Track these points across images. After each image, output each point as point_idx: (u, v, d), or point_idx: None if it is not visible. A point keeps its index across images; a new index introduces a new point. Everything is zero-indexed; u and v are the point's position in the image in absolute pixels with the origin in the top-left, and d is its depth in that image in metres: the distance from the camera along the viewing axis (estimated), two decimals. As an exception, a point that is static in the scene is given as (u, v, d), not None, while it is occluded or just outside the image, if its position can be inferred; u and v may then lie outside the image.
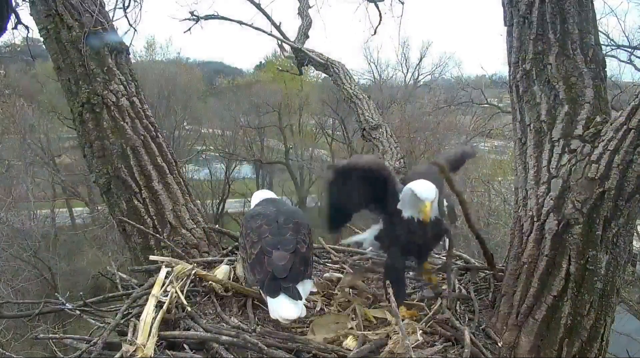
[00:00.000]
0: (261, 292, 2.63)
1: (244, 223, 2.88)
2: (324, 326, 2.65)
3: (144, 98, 3.98)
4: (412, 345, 2.35)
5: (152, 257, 3.17)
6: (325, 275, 3.31)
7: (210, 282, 2.96)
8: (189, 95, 28.45)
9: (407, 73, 29.59)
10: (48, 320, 9.35)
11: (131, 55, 4.11)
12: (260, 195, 3.21)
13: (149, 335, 2.38)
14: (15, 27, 4.03)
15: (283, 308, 2.46)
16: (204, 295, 2.91)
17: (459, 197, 2.72)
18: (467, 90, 21.86)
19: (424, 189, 2.53)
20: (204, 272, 3.02)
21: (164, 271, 2.80)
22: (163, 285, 2.73)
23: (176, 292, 2.70)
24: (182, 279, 2.88)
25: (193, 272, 2.94)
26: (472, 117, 24.73)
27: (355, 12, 7.84)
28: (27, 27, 4.11)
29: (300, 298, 2.50)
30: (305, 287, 2.61)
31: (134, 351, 2.29)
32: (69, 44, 3.61)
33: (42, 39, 3.74)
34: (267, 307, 2.57)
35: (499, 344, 2.54)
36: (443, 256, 3.68)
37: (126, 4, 4.29)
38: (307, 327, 2.67)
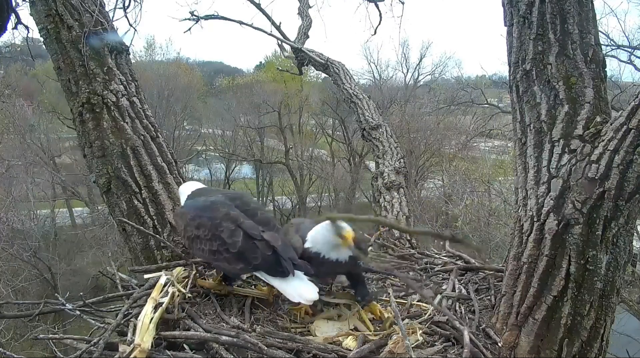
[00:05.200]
0: (266, 278, 2.58)
1: (198, 215, 2.68)
2: (324, 326, 2.66)
3: (144, 98, 3.97)
4: (412, 345, 2.36)
5: (146, 276, 3.02)
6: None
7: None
8: (189, 95, 28.50)
9: (407, 73, 29.65)
10: (48, 320, 9.34)
11: (131, 55, 4.11)
12: (189, 187, 3.00)
13: (147, 335, 2.38)
14: (15, 27, 4.02)
15: (302, 290, 2.48)
16: (204, 295, 2.92)
17: (389, 225, 2.74)
18: (467, 90, 21.89)
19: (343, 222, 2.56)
20: (204, 281, 2.99)
21: (163, 277, 2.79)
22: (164, 286, 2.74)
23: (176, 292, 2.71)
24: (182, 282, 2.88)
25: (193, 273, 2.94)
26: (472, 117, 24.76)
27: (355, 12, 7.86)
28: (27, 27, 4.11)
29: (313, 274, 2.52)
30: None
31: (131, 351, 2.29)
32: (69, 44, 3.61)
33: (42, 39, 3.74)
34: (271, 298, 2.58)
35: (499, 344, 2.54)
36: (443, 256, 3.70)
37: (126, 4, 4.29)
38: (306, 328, 2.68)
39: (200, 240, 2.67)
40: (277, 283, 2.56)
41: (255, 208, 2.74)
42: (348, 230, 2.51)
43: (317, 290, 2.53)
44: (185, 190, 3.03)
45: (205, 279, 3.02)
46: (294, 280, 2.52)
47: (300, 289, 2.49)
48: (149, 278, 2.96)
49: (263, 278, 2.63)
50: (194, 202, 2.85)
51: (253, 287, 2.98)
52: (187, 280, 2.90)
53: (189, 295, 2.76)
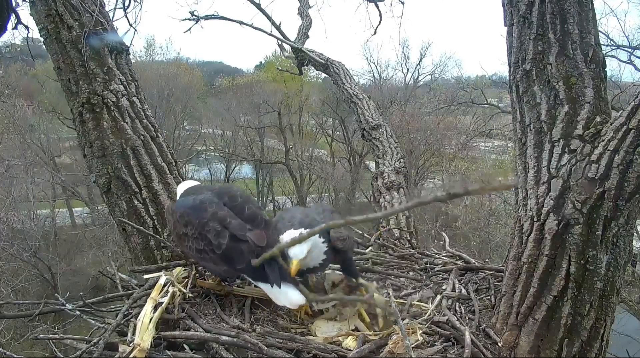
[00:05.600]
0: (252, 281, 2.62)
1: (186, 213, 2.70)
2: (324, 326, 2.66)
3: (144, 98, 3.97)
4: (412, 345, 2.35)
5: (146, 276, 3.03)
6: (326, 272, 3.30)
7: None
8: (189, 95, 28.49)
9: (407, 73, 29.64)
10: (48, 320, 9.35)
11: (131, 55, 4.11)
12: (183, 186, 3.04)
13: (147, 334, 2.38)
14: (15, 27, 4.02)
15: (289, 293, 2.49)
16: (204, 295, 2.92)
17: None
18: (467, 90, 21.88)
19: (296, 250, 2.50)
20: (203, 281, 2.99)
21: (163, 278, 2.80)
22: (163, 286, 2.74)
23: (177, 291, 2.71)
24: (182, 282, 2.88)
25: (193, 273, 2.94)
26: (472, 117, 24.77)
27: (355, 12, 7.87)
28: (27, 27, 4.11)
29: (298, 283, 2.54)
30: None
31: (131, 351, 2.29)
32: (69, 44, 3.61)
33: (42, 39, 3.74)
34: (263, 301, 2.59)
35: (499, 344, 2.54)
36: (443, 256, 3.70)
37: (126, 4, 4.29)
38: (306, 328, 2.68)
39: (188, 238, 2.69)
40: (263, 286, 2.57)
41: (243, 203, 2.73)
42: (295, 261, 2.50)
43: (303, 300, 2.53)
44: (180, 189, 3.06)
45: (205, 279, 3.03)
46: (284, 287, 2.52)
47: (287, 293, 2.50)
48: (149, 279, 2.96)
49: (249, 281, 2.66)
50: (184, 200, 2.87)
51: (253, 286, 2.99)
52: (187, 280, 2.90)
53: (189, 294, 2.76)
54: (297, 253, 2.50)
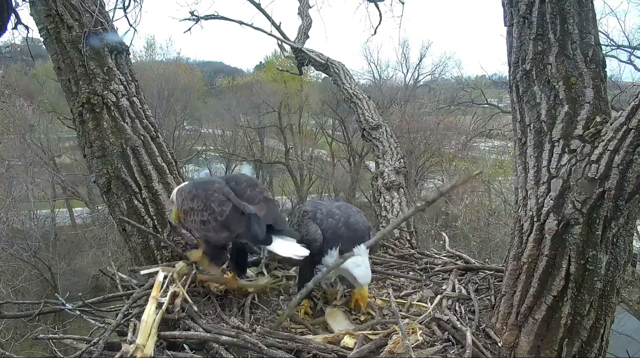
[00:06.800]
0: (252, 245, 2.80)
1: (196, 188, 2.87)
2: (338, 316, 2.73)
3: (144, 98, 3.98)
4: (412, 345, 2.36)
5: (143, 272, 3.05)
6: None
7: (208, 283, 2.96)
8: (189, 95, 28.46)
9: (407, 73, 29.62)
10: (48, 320, 9.35)
11: (131, 55, 4.11)
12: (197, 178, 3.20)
13: (149, 335, 2.38)
14: (15, 27, 4.03)
15: (292, 248, 2.57)
16: (204, 295, 2.92)
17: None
18: (467, 90, 21.86)
19: (364, 274, 2.62)
20: (204, 276, 3.00)
21: (161, 274, 2.80)
22: (163, 286, 2.74)
23: (177, 291, 2.71)
24: (182, 279, 2.88)
25: (193, 272, 2.94)
26: (472, 117, 24.76)
27: (355, 12, 7.88)
28: (27, 27, 4.12)
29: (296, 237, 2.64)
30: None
31: (134, 351, 2.29)
32: (69, 44, 3.61)
33: (42, 39, 3.74)
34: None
35: (499, 344, 2.54)
36: (443, 256, 3.70)
37: (126, 4, 4.29)
38: (307, 329, 2.68)
39: (193, 212, 2.83)
40: (265, 246, 2.68)
41: (246, 187, 2.85)
42: (365, 287, 2.67)
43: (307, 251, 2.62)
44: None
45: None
46: (283, 241, 2.62)
47: (291, 247, 2.59)
48: (149, 278, 2.96)
49: (251, 247, 2.83)
50: (194, 181, 3.08)
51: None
52: (186, 276, 2.91)
53: (189, 300, 2.75)
54: (365, 279, 2.64)
